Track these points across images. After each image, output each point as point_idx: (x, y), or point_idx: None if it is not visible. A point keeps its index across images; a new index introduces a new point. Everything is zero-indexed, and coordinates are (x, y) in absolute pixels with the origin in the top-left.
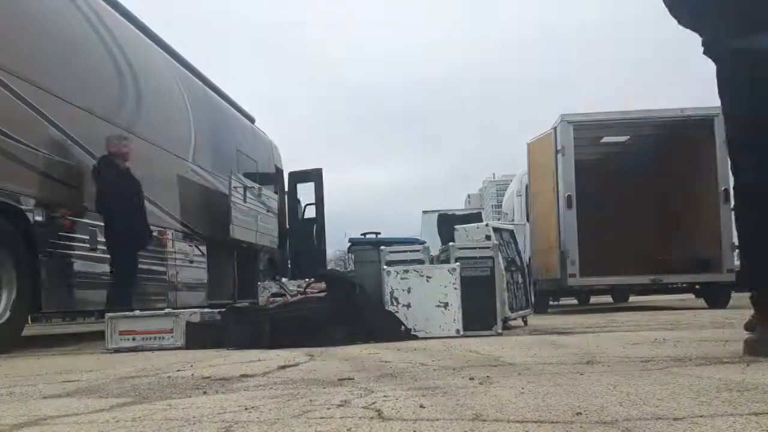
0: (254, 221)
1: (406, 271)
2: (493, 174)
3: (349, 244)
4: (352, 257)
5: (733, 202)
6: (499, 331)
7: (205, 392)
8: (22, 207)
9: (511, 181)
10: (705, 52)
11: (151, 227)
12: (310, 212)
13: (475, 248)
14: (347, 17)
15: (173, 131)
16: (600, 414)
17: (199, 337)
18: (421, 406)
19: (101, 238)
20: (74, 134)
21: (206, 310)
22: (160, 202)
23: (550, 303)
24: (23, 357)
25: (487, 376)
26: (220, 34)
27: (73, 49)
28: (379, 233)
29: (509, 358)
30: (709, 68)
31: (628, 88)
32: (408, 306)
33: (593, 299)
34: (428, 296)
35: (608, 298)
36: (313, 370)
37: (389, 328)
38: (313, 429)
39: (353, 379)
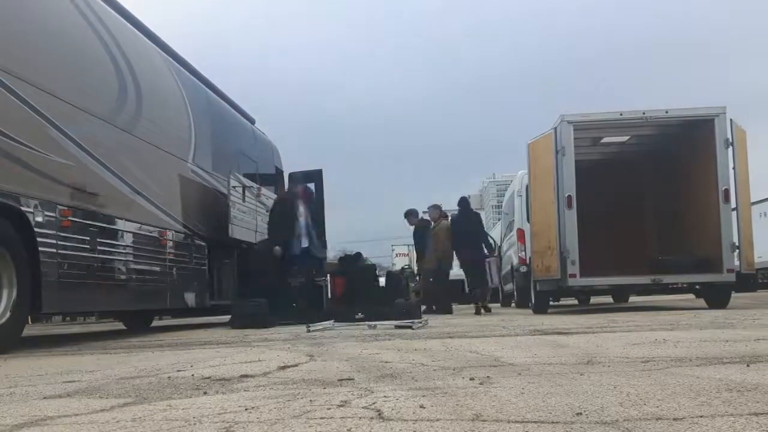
0: (254, 221)
1: None
2: (493, 174)
3: None
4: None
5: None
6: None
7: (205, 392)
8: (23, 208)
9: (511, 181)
10: None
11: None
12: None
13: None
14: None
15: (173, 132)
16: (600, 414)
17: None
18: (421, 407)
19: (101, 239)
20: (74, 135)
21: None
22: (160, 202)
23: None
24: (23, 357)
25: (488, 377)
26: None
27: (72, 49)
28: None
29: (509, 359)
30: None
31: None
32: None
33: (593, 299)
34: None
35: (608, 298)
36: (313, 370)
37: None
38: (314, 429)
39: (353, 379)
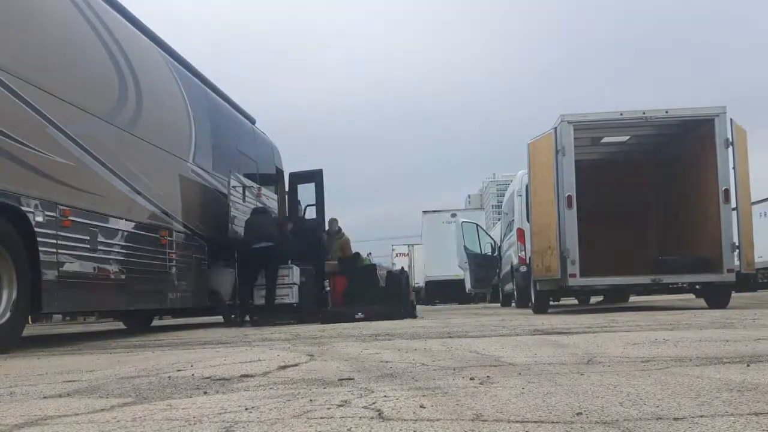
0: None
1: None
2: (493, 174)
3: None
4: None
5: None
6: None
7: (205, 392)
8: (23, 207)
9: (511, 181)
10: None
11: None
12: (311, 213)
13: None
14: None
15: (173, 131)
16: (600, 414)
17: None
18: (422, 407)
19: (101, 239)
20: (74, 134)
21: None
22: (161, 202)
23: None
24: (23, 357)
25: (488, 376)
26: None
27: (72, 49)
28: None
29: (509, 358)
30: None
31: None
32: None
33: (593, 299)
34: None
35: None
36: (313, 370)
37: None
38: (314, 429)
39: (353, 379)
